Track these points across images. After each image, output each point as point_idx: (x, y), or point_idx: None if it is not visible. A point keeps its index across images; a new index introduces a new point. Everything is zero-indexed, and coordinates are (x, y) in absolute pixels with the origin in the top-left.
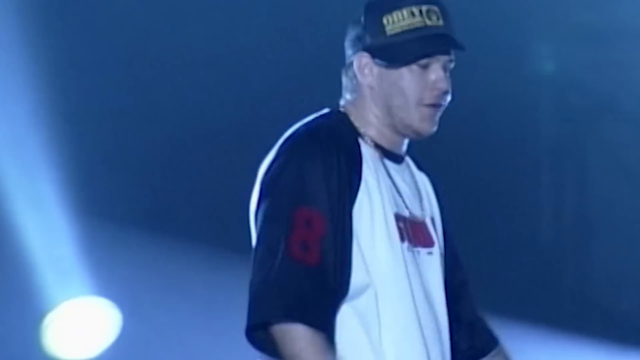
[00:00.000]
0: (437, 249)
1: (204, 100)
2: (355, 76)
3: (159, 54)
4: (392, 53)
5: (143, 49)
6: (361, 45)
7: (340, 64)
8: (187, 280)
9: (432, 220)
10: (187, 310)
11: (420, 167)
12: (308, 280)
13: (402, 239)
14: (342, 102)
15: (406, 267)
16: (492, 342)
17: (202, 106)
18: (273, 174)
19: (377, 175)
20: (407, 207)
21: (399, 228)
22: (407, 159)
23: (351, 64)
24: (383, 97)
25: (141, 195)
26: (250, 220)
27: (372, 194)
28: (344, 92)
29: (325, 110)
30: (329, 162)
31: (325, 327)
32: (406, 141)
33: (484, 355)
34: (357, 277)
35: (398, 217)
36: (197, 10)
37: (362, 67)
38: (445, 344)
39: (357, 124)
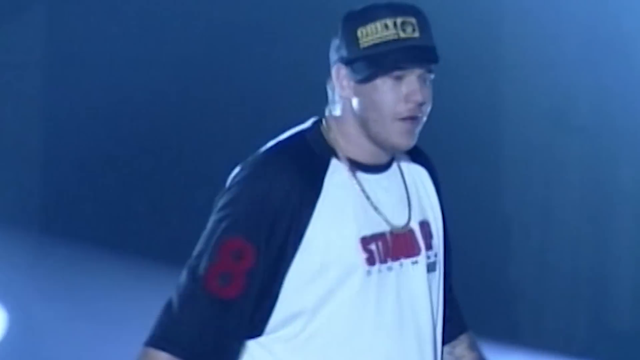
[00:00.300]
0: (422, 257)
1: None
2: (334, 88)
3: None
4: (365, 66)
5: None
6: (338, 56)
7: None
8: (79, 284)
9: (424, 223)
10: (77, 316)
11: (416, 157)
12: (215, 316)
13: (370, 261)
14: (326, 113)
15: (369, 282)
16: (457, 329)
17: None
18: (224, 196)
19: (344, 202)
20: (387, 221)
21: (367, 250)
22: (402, 165)
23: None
24: (359, 110)
25: (28, 196)
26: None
27: (328, 226)
28: (329, 103)
29: (306, 124)
30: (276, 197)
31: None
32: (386, 154)
33: (449, 341)
34: (287, 309)
35: (370, 239)
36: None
37: (341, 80)
38: (427, 353)
39: (335, 138)
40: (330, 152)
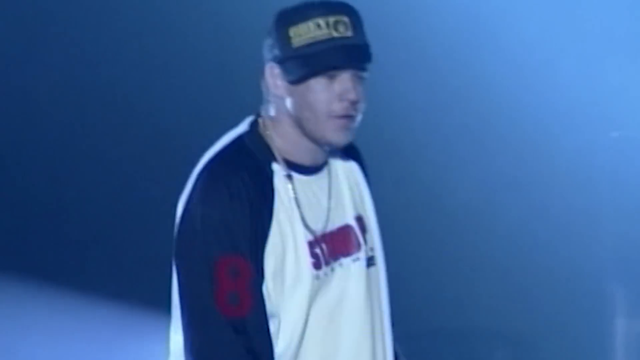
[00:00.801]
0: (362, 253)
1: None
2: (267, 87)
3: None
4: (298, 66)
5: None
6: (271, 55)
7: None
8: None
9: (360, 217)
10: None
11: (349, 152)
12: (240, 334)
13: (317, 265)
14: (262, 112)
15: (314, 284)
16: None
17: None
18: (185, 223)
19: (290, 205)
20: (326, 220)
21: (314, 254)
22: (332, 161)
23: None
24: (294, 109)
25: None
26: None
27: (283, 229)
28: (263, 102)
29: (243, 127)
30: (239, 205)
31: None
32: (322, 155)
33: None
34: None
35: (313, 243)
36: None
37: (274, 79)
38: (377, 348)
39: (272, 137)
40: (270, 156)
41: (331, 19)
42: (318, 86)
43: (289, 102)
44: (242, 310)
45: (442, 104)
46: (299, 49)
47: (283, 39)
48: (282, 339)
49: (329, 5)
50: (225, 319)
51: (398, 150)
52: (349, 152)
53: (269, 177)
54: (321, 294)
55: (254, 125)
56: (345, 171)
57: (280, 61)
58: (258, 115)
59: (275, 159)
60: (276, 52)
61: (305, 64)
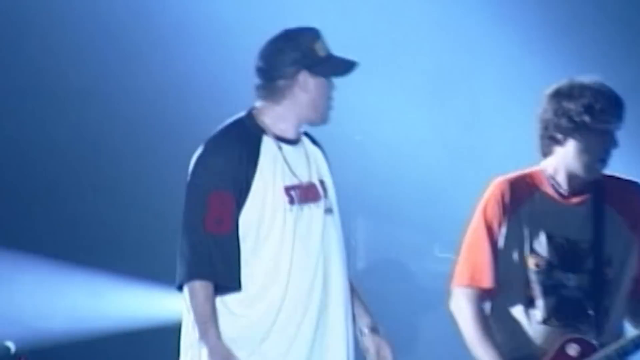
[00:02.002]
0: (322, 202)
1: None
2: (288, 81)
3: None
4: (322, 68)
5: None
6: (302, 65)
7: None
8: None
9: (321, 182)
10: None
11: (314, 142)
12: (220, 243)
13: (291, 201)
14: (257, 105)
15: (289, 219)
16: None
17: None
18: (194, 168)
19: (275, 162)
20: (298, 177)
21: (289, 194)
22: (303, 139)
23: (274, 79)
24: (305, 99)
25: None
26: None
27: (266, 178)
28: (258, 96)
29: (242, 114)
30: (230, 156)
31: (225, 278)
32: (301, 129)
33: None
34: (250, 235)
35: (289, 188)
36: None
37: (302, 76)
38: (320, 273)
39: (264, 123)
40: (260, 130)
41: (324, 42)
42: (324, 83)
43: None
44: (223, 230)
45: None
46: (323, 57)
47: (311, 51)
48: (266, 256)
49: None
50: (211, 234)
51: None
52: (314, 143)
53: (257, 144)
54: (295, 223)
55: (250, 112)
56: (313, 151)
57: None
58: (252, 108)
59: (266, 133)
60: (309, 57)
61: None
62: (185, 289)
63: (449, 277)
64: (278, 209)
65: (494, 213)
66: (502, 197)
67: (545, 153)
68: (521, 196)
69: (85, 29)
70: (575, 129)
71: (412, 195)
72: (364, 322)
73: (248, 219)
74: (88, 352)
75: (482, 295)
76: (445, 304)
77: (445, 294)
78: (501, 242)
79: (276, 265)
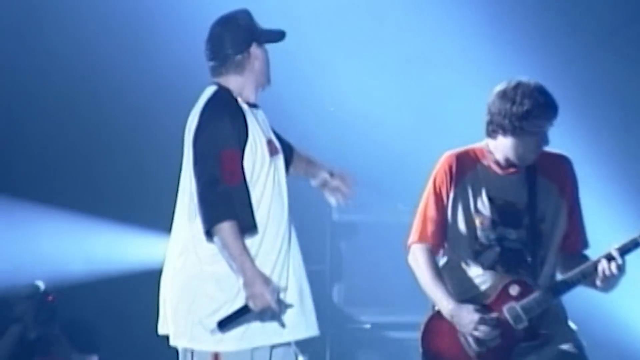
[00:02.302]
0: (279, 156)
1: None
2: (242, 56)
3: None
4: (265, 38)
5: None
6: (252, 39)
7: None
8: None
9: (276, 137)
10: None
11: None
12: (235, 192)
13: (271, 153)
14: (219, 81)
15: (270, 169)
16: (290, 148)
17: None
18: (201, 127)
19: (253, 123)
20: (266, 134)
21: (269, 148)
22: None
23: (233, 55)
24: (257, 66)
25: None
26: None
27: (254, 133)
28: (219, 74)
29: (213, 88)
30: (233, 118)
31: (246, 220)
32: (258, 96)
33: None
34: (252, 185)
35: (268, 141)
36: None
37: (252, 48)
38: (287, 217)
39: (235, 92)
40: (236, 99)
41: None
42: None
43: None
44: (236, 181)
45: None
46: (263, 29)
47: (255, 26)
48: (267, 191)
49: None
50: (227, 185)
51: None
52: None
53: (241, 109)
54: (274, 169)
55: (221, 86)
56: (262, 114)
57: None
58: (217, 84)
59: (239, 100)
60: (253, 32)
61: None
62: (216, 230)
63: (409, 226)
64: (265, 159)
65: (443, 182)
66: (450, 168)
67: (489, 135)
68: (466, 167)
69: None
70: (513, 129)
71: (380, 158)
72: (323, 172)
73: (253, 168)
74: (104, 291)
75: (434, 249)
76: (405, 248)
77: (406, 240)
78: (450, 206)
79: (269, 212)
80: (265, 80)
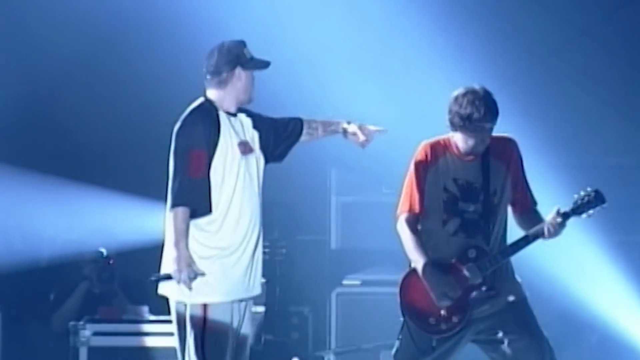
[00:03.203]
0: (255, 153)
1: None
2: (226, 76)
3: None
4: (249, 65)
5: None
6: (237, 63)
7: None
8: None
9: (252, 139)
10: None
11: (248, 115)
12: (196, 185)
13: (242, 153)
14: (208, 93)
15: (241, 164)
16: (299, 122)
17: None
18: (179, 132)
19: (229, 128)
20: (240, 137)
21: (240, 149)
22: (239, 114)
23: (220, 73)
24: (238, 86)
25: None
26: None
27: (226, 137)
28: (207, 86)
29: (200, 100)
30: (206, 125)
31: (199, 206)
32: (237, 107)
33: (299, 132)
34: (213, 179)
35: (239, 144)
36: None
37: (237, 71)
38: (258, 204)
39: (217, 104)
40: (216, 109)
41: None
42: (250, 75)
43: (239, 85)
44: (200, 174)
45: None
46: (250, 58)
47: (243, 54)
48: (226, 194)
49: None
50: (192, 177)
51: None
52: (246, 113)
53: (217, 116)
54: (246, 168)
55: (206, 98)
56: (244, 120)
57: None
58: (205, 96)
59: (219, 110)
60: (241, 59)
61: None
62: (170, 212)
63: (391, 205)
64: (235, 158)
65: (421, 165)
66: (426, 154)
67: (450, 129)
68: (437, 154)
69: None
70: (462, 127)
71: (369, 151)
72: (341, 124)
73: (216, 165)
74: (151, 256)
75: (416, 218)
76: (392, 223)
77: (390, 217)
78: (426, 184)
79: (232, 197)
80: (245, 98)
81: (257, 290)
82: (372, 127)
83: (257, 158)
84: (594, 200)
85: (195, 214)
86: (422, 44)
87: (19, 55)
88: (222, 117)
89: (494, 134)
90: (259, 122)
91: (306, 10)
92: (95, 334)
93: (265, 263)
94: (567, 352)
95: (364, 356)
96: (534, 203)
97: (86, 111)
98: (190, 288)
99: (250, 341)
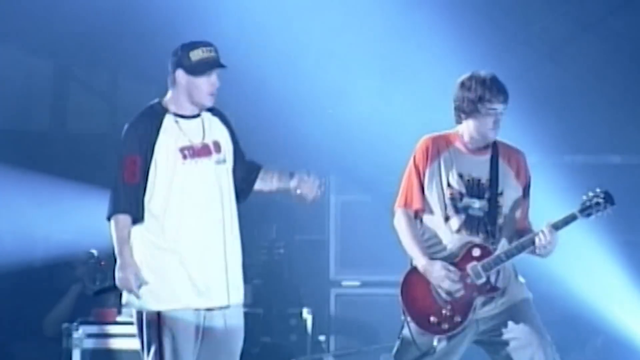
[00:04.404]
0: (213, 158)
1: None
2: (176, 80)
3: None
4: (193, 69)
5: None
6: (179, 65)
7: None
8: None
9: (217, 141)
10: None
11: (214, 113)
12: (131, 191)
13: (184, 157)
14: (168, 94)
15: (183, 167)
16: (256, 167)
17: None
18: (122, 136)
19: (172, 131)
20: (191, 140)
21: (183, 153)
22: (203, 115)
23: (169, 74)
24: (189, 89)
25: None
26: None
27: (167, 140)
28: (169, 88)
29: (155, 101)
30: (141, 128)
31: (136, 213)
32: (198, 110)
33: (255, 176)
34: (152, 182)
35: (183, 148)
36: None
37: (181, 76)
38: (220, 210)
39: (168, 106)
40: (164, 111)
41: (206, 48)
42: (202, 79)
43: (187, 87)
44: (135, 180)
45: None
46: (195, 62)
47: (186, 57)
48: (160, 198)
49: (204, 42)
50: (128, 183)
51: None
52: (214, 113)
53: (160, 119)
54: (189, 172)
55: (160, 100)
56: (210, 120)
57: (185, 67)
58: (161, 98)
59: (168, 112)
60: (184, 63)
61: (196, 68)
62: (111, 220)
63: (390, 205)
64: (176, 162)
65: (421, 160)
66: (427, 149)
67: (457, 122)
68: (440, 149)
69: None
70: (472, 112)
71: (369, 149)
72: (288, 178)
73: (154, 169)
74: None
75: (414, 213)
76: (391, 222)
77: (390, 217)
78: (427, 180)
79: (171, 201)
80: (191, 100)
81: (224, 300)
82: (313, 182)
83: (221, 161)
84: (603, 201)
85: (134, 221)
86: (425, 39)
87: (12, 50)
88: (168, 119)
89: (503, 140)
90: (227, 124)
91: (304, 3)
92: (89, 336)
93: (263, 263)
94: (572, 355)
95: (363, 358)
96: (529, 225)
97: (81, 109)
98: (138, 296)
99: (233, 353)
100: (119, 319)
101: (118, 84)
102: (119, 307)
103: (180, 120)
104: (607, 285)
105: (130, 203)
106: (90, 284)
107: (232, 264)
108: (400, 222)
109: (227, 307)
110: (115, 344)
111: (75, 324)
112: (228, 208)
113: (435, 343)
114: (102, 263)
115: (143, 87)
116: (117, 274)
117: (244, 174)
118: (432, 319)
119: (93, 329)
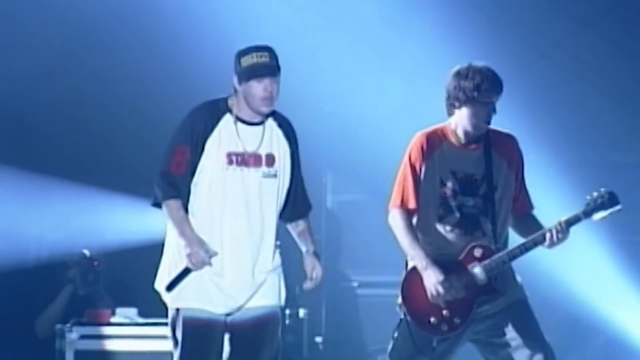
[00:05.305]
0: (261, 170)
1: None
2: (234, 85)
3: None
4: (244, 76)
5: None
6: (234, 71)
7: None
8: None
9: (269, 154)
10: None
11: (279, 123)
12: (177, 180)
13: (230, 163)
14: (232, 95)
15: (226, 172)
16: (298, 214)
17: None
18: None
19: (227, 133)
20: (244, 147)
21: (229, 158)
22: (268, 124)
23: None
24: (245, 95)
25: None
26: None
27: (220, 140)
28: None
29: (224, 96)
30: (198, 120)
31: (185, 200)
32: (259, 117)
33: (297, 218)
34: (195, 178)
35: (231, 153)
36: None
37: (237, 81)
38: (259, 224)
39: (233, 104)
40: (227, 110)
41: (258, 53)
42: (256, 84)
43: (243, 91)
44: (180, 171)
45: None
46: (244, 67)
47: (236, 63)
48: (206, 200)
49: (258, 47)
50: (173, 173)
51: None
52: (279, 122)
53: (218, 118)
54: (231, 179)
55: (226, 97)
56: (272, 130)
57: (238, 74)
58: (229, 96)
59: (230, 113)
60: (236, 69)
61: (246, 74)
62: (163, 207)
63: (385, 205)
64: (218, 165)
65: (416, 157)
66: (421, 145)
67: (449, 113)
68: (434, 145)
69: None
70: (467, 101)
71: (365, 149)
72: (306, 247)
73: (201, 166)
74: (137, 256)
75: (410, 213)
76: (383, 223)
77: (383, 216)
78: (422, 177)
79: (208, 202)
80: (249, 106)
81: (248, 304)
82: (317, 273)
83: (270, 175)
84: (608, 202)
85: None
86: (422, 37)
87: (1, 50)
88: (227, 120)
89: (494, 127)
90: (292, 141)
91: (304, 2)
92: (82, 337)
93: None
94: (572, 355)
95: (362, 358)
96: (531, 207)
97: (73, 110)
98: (210, 264)
99: None
100: (112, 320)
101: (109, 83)
102: (113, 307)
103: (240, 124)
104: (607, 285)
105: (178, 190)
106: (82, 285)
107: (258, 274)
108: (398, 223)
109: (251, 308)
110: (109, 345)
111: (68, 325)
112: (268, 224)
113: (434, 343)
114: (95, 263)
115: (135, 87)
116: (185, 252)
117: (290, 210)
118: (432, 319)
119: (87, 330)
